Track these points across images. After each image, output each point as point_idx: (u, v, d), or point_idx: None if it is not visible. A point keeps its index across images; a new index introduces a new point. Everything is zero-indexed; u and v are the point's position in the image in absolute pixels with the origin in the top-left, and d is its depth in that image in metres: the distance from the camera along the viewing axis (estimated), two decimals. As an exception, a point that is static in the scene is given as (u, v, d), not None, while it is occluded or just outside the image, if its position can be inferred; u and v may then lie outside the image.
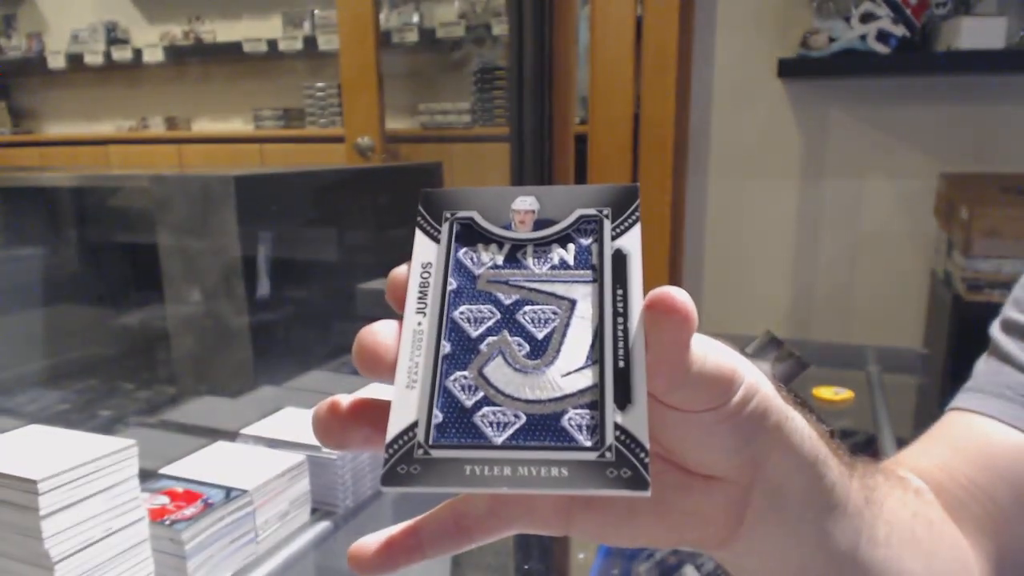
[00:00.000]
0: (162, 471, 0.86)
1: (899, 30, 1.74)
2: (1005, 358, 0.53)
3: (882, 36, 1.74)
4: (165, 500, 0.80)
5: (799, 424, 0.31)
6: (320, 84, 3.21)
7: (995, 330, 0.56)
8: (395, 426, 0.25)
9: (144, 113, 3.68)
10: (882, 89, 1.92)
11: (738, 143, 2.07)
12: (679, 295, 0.24)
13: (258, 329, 1.25)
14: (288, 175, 1.52)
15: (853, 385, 1.36)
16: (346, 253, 1.57)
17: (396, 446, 0.24)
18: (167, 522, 0.76)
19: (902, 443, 0.62)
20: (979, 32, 1.64)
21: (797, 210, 2.04)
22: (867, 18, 1.75)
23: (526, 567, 0.95)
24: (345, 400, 0.27)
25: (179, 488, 0.82)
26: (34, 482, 0.65)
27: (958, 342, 1.55)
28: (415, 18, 2.86)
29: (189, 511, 0.78)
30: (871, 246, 1.99)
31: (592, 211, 0.29)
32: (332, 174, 1.69)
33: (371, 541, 0.29)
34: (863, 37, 1.76)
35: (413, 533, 0.30)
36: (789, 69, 1.89)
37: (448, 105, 2.90)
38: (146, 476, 0.80)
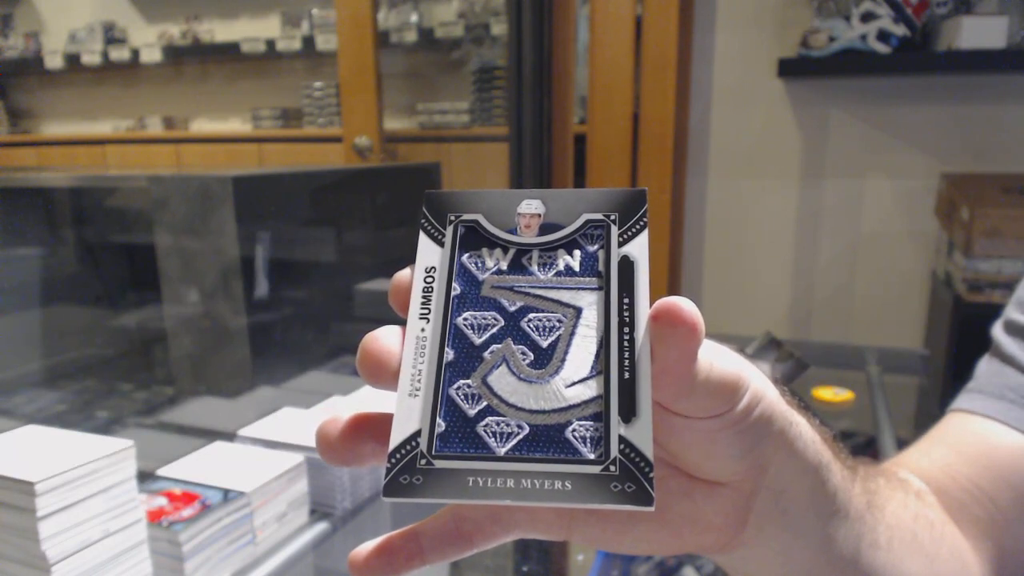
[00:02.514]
0: (160, 472, 0.86)
1: (899, 29, 1.74)
2: (1007, 359, 0.53)
3: (882, 36, 1.74)
4: (163, 501, 0.80)
5: (803, 429, 0.31)
6: (318, 84, 3.20)
7: (997, 331, 0.56)
8: (398, 435, 0.24)
9: (142, 113, 3.67)
10: (882, 89, 1.92)
11: (738, 143, 2.07)
12: (686, 306, 0.23)
13: (256, 329, 1.25)
14: (286, 175, 1.52)
15: (853, 386, 1.36)
16: (344, 253, 1.57)
17: (399, 456, 0.24)
18: (165, 523, 0.76)
19: (903, 444, 0.62)
20: (980, 31, 1.64)
21: (797, 210, 2.04)
22: (867, 17, 1.75)
23: (525, 569, 0.95)
24: (345, 416, 0.27)
25: (177, 489, 0.82)
26: (31, 484, 0.65)
27: (959, 343, 1.55)
28: (413, 18, 2.85)
29: (187, 512, 0.78)
30: (871, 246, 1.99)
31: (599, 216, 0.28)
32: (330, 174, 1.69)
33: (371, 546, 0.29)
34: (863, 37, 1.76)
35: (413, 538, 0.29)
36: (789, 69, 1.89)
37: (447, 105, 2.89)
38: (144, 477, 0.80)
